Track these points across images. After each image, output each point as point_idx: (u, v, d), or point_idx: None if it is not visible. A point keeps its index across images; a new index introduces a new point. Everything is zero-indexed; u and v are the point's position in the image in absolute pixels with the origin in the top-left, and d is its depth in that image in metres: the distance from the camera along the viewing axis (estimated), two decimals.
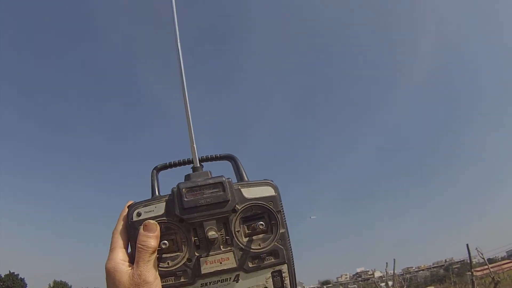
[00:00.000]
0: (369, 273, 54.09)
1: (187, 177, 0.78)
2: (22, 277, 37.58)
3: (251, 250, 0.75)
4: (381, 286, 25.86)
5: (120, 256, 0.70)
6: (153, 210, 0.73)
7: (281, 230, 0.76)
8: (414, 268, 52.97)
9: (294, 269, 0.78)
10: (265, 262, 0.76)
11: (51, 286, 40.03)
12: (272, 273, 0.76)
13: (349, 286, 55.98)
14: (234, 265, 0.74)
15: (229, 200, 0.73)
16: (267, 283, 0.76)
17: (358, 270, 60.76)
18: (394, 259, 22.56)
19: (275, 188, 0.78)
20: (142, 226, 0.71)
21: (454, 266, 42.32)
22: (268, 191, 0.77)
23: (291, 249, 0.77)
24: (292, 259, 0.78)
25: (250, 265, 0.75)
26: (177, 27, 0.83)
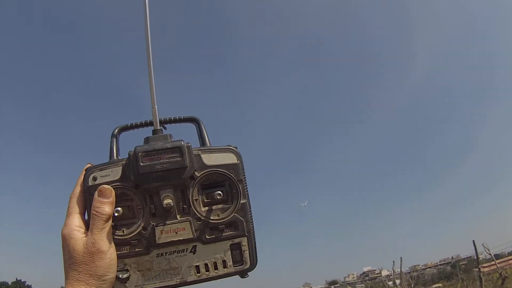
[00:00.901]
0: (376, 272, 53.97)
1: (146, 140, 0.74)
2: (29, 284, 36.88)
3: (209, 221, 0.72)
4: (388, 285, 25.83)
5: (76, 222, 0.69)
6: (109, 175, 0.71)
7: (242, 201, 0.73)
8: (421, 266, 52.78)
9: (254, 242, 0.75)
10: (224, 234, 0.73)
11: None
12: (231, 245, 0.74)
13: (356, 285, 55.90)
14: (191, 236, 0.71)
15: (187, 167, 0.70)
16: (225, 255, 0.74)
17: (365, 269, 60.59)
18: (401, 258, 22.31)
19: (238, 156, 0.74)
20: (96, 192, 0.68)
21: (461, 263, 42.22)
22: (230, 158, 0.74)
23: (252, 221, 0.74)
24: (253, 231, 0.75)
25: (208, 236, 0.72)
26: None
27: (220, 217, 0.72)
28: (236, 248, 0.74)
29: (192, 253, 0.72)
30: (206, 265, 0.73)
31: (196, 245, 0.72)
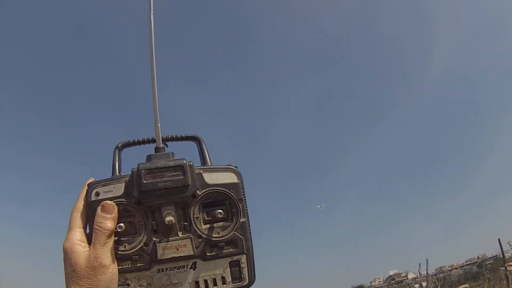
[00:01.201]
0: (402, 275, 53.54)
1: (149, 158, 0.76)
2: None
3: (209, 238, 0.74)
4: (415, 287, 25.95)
5: (78, 236, 0.70)
6: (111, 191, 0.72)
7: (242, 219, 0.75)
8: (447, 267, 52.09)
9: (253, 259, 0.77)
10: (224, 251, 0.75)
11: None
12: (230, 262, 0.76)
13: None
14: (191, 253, 0.73)
15: (189, 185, 0.72)
16: (224, 272, 0.76)
17: (391, 272, 59.89)
18: (427, 260, 21.07)
19: (238, 175, 0.77)
20: (99, 207, 0.70)
21: (487, 262, 41.63)
22: (230, 178, 0.76)
23: (251, 239, 0.76)
24: (252, 249, 0.77)
25: (208, 253, 0.74)
26: None
27: (220, 235, 0.75)
28: (235, 265, 0.76)
29: (192, 269, 0.75)
30: (205, 281, 0.75)
31: (196, 262, 0.75)
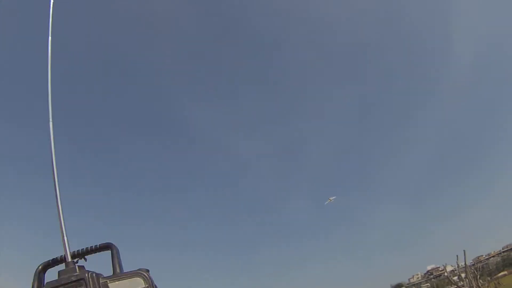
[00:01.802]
0: (440, 269, 53.39)
1: (59, 274, 0.81)
2: None
3: None
4: (454, 280, 25.54)
5: None
6: None
7: None
8: (484, 256, 51.65)
9: None
10: None
11: None
12: None
13: (421, 285, 55.34)
14: None
15: None
16: None
17: (429, 267, 59.76)
18: (464, 251, 21.83)
19: (146, 280, 0.80)
20: None
21: None
22: (137, 284, 0.78)
23: None
24: None
25: None
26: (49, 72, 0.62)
27: None
28: None
29: None
30: None
31: None
